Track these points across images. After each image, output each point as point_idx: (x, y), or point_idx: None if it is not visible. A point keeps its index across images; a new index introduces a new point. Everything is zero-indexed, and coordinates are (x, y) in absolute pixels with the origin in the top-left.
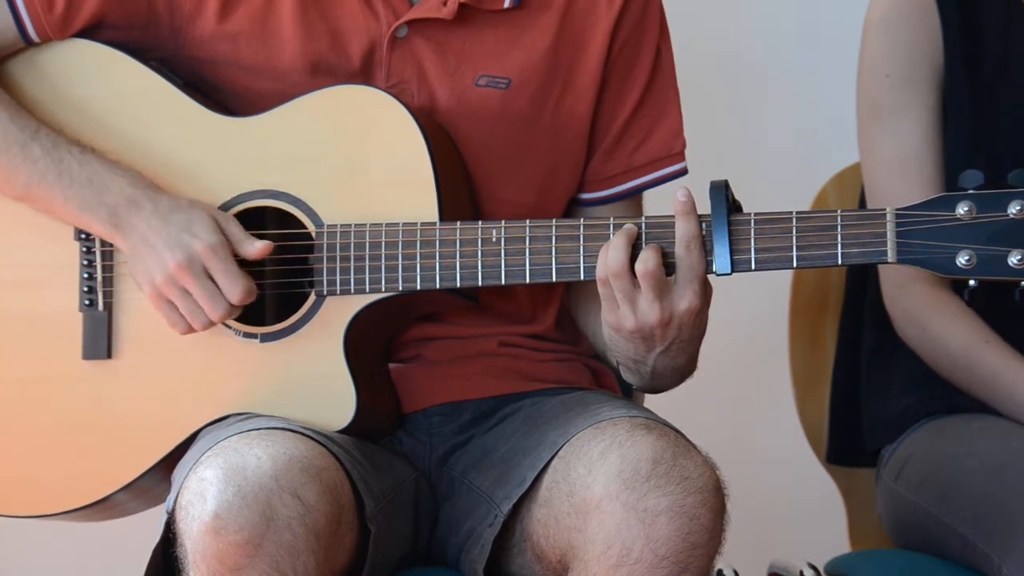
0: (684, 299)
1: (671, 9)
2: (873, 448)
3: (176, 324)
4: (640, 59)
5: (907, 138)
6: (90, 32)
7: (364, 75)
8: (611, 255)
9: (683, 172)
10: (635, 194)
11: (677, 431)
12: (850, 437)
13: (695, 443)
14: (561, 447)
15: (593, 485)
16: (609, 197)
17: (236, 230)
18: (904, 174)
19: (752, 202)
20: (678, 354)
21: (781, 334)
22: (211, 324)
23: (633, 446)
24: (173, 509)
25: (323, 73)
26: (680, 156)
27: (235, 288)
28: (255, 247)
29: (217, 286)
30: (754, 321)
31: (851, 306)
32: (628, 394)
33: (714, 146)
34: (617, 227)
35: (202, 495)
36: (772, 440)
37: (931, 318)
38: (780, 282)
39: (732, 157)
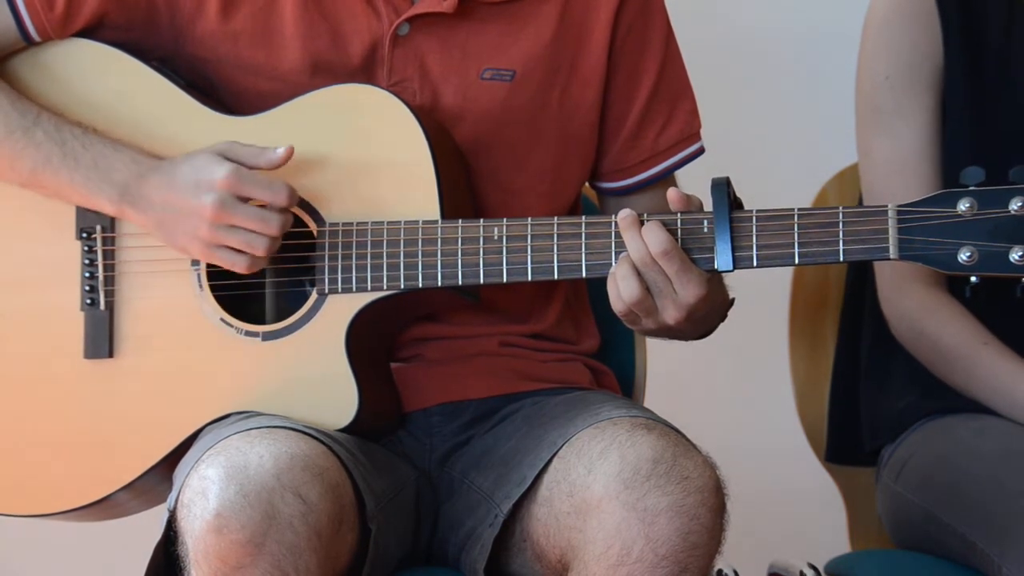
0: (689, 292)
1: (671, 8)
2: (873, 448)
3: (237, 263)
4: (651, 43)
5: (906, 140)
6: (91, 31)
7: (365, 74)
8: (622, 284)
9: (702, 151)
10: (666, 176)
11: (677, 431)
12: (850, 437)
13: (695, 443)
14: (561, 447)
15: (593, 485)
16: (641, 183)
17: (246, 150)
18: (902, 175)
19: (752, 202)
20: (697, 327)
21: (781, 334)
22: (275, 244)
23: (633, 446)
24: (175, 507)
25: (324, 73)
26: (698, 135)
27: (278, 193)
28: (277, 153)
29: (260, 204)
30: (754, 321)
31: (851, 306)
32: (628, 394)
33: (714, 145)
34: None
35: (204, 493)
36: (772, 440)
37: (928, 320)
38: (780, 282)
39: (732, 156)
